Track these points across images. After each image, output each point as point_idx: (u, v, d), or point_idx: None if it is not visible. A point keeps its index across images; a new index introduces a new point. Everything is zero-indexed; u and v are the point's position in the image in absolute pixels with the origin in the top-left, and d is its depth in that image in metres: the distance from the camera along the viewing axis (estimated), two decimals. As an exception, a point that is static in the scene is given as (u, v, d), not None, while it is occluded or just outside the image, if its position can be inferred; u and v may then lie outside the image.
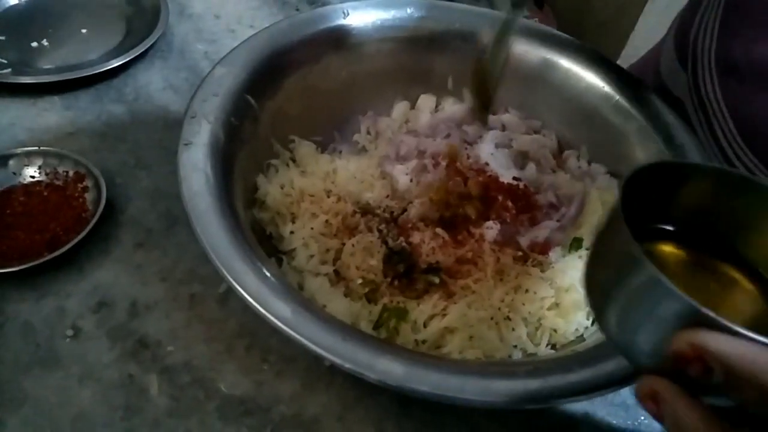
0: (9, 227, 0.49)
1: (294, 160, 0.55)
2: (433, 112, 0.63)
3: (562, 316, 0.47)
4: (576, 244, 0.51)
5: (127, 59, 0.65)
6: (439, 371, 0.36)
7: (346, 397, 0.44)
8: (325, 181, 0.54)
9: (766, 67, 0.48)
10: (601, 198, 0.53)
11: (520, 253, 0.50)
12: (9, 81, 0.61)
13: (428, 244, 0.49)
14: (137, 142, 0.59)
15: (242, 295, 0.37)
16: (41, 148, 0.54)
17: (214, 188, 0.43)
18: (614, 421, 0.46)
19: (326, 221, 0.50)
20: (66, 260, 0.48)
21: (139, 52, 0.66)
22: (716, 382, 0.23)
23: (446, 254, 0.49)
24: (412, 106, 0.64)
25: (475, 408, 0.44)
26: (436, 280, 0.47)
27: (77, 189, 0.52)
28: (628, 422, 0.46)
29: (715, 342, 0.22)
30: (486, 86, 0.54)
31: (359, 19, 0.59)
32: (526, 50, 0.58)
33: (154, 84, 0.66)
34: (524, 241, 0.51)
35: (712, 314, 0.23)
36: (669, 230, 0.31)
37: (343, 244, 0.49)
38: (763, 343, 0.22)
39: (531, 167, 0.58)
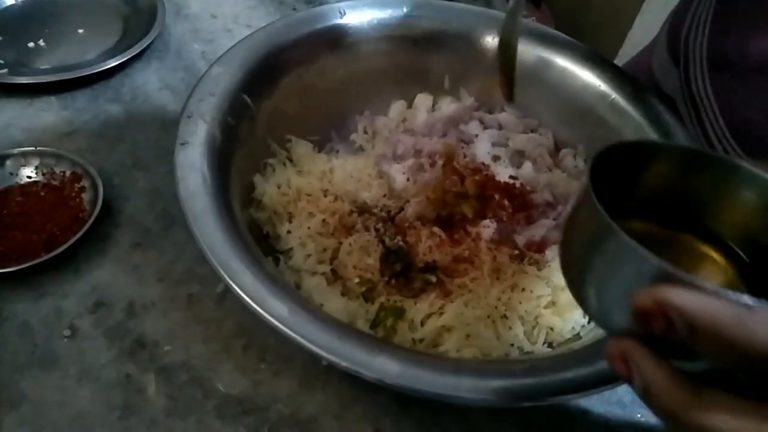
0: (6, 227, 0.49)
1: (291, 160, 0.55)
2: (430, 112, 0.63)
3: (559, 315, 0.47)
4: (572, 242, 0.51)
5: (124, 59, 0.65)
6: (436, 369, 0.36)
7: (344, 396, 0.44)
8: (322, 180, 0.54)
9: (759, 63, 0.49)
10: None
11: (516, 252, 0.50)
12: (6, 81, 0.61)
13: (425, 243, 0.49)
14: (134, 142, 0.59)
15: (239, 294, 0.37)
16: (38, 148, 0.54)
17: (211, 188, 0.43)
18: (611, 419, 0.46)
19: (323, 220, 0.50)
20: (63, 260, 0.48)
21: (136, 52, 0.66)
22: (680, 337, 0.23)
23: (443, 253, 0.49)
24: (409, 106, 0.64)
25: (473, 406, 0.44)
26: (433, 278, 0.47)
27: (74, 189, 0.52)
28: (625, 420, 0.46)
29: (677, 296, 0.23)
30: (507, 60, 0.54)
31: (356, 18, 0.59)
32: (523, 49, 0.58)
33: (151, 84, 0.66)
34: (521, 239, 0.51)
35: (673, 270, 0.23)
36: (638, 208, 0.31)
37: (340, 244, 0.49)
38: (725, 297, 0.23)
39: (527, 166, 0.58)
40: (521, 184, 0.55)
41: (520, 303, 0.47)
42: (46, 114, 0.61)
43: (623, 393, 0.47)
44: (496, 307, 0.46)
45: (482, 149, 0.58)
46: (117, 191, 0.55)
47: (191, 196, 0.41)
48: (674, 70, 0.59)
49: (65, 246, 0.47)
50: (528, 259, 0.50)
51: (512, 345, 0.46)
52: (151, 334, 0.46)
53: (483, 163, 0.56)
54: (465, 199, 0.52)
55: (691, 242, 0.31)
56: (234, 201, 0.45)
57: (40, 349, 0.44)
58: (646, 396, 0.25)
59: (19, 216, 0.50)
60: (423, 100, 0.63)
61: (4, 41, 0.67)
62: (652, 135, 0.53)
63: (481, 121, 0.62)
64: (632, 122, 0.55)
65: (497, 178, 0.55)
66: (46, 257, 0.46)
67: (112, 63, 0.64)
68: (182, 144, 0.44)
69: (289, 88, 0.55)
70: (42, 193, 0.52)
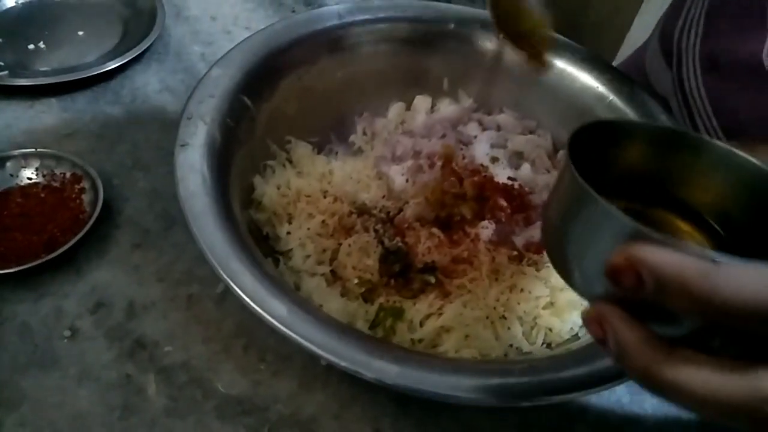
0: (6, 229, 0.49)
1: (290, 161, 0.56)
2: (429, 113, 0.63)
3: (557, 315, 0.47)
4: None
5: (124, 61, 0.65)
6: (435, 370, 0.36)
7: (343, 396, 0.44)
8: (322, 181, 0.54)
9: (750, 65, 0.49)
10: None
11: (515, 253, 0.50)
12: (5, 83, 0.61)
13: (424, 243, 0.49)
14: (134, 143, 0.60)
15: (239, 294, 0.37)
16: (38, 149, 0.54)
17: (210, 189, 0.43)
18: (610, 419, 0.46)
19: (323, 221, 0.50)
20: (63, 261, 0.48)
21: (136, 54, 0.66)
22: (649, 292, 0.23)
23: (442, 254, 0.49)
24: (408, 107, 0.64)
25: (471, 406, 0.45)
26: (432, 279, 0.48)
27: (74, 190, 0.52)
28: (624, 420, 0.46)
29: (646, 252, 0.23)
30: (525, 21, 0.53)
31: (354, 20, 0.59)
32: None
33: (151, 86, 0.66)
34: (519, 240, 0.51)
35: (644, 229, 0.24)
36: (616, 187, 0.32)
37: (340, 245, 0.49)
38: (692, 252, 0.23)
39: (526, 167, 0.58)
40: (520, 185, 0.55)
41: (519, 304, 0.47)
42: (46, 116, 0.61)
43: (622, 393, 0.47)
44: (494, 308, 0.46)
45: (481, 150, 0.58)
46: (117, 192, 0.55)
47: (191, 196, 0.41)
48: (667, 70, 0.60)
49: (65, 247, 0.47)
50: (527, 260, 0.50)
51: (511, 345, 0.46)
52: (151, 335, 0.46)
53: (482, 165, 0.56)
54: (464, 200, 0.52)
55: (669, 218, 0.32)
56: (234, 202, 0.46)
57: (40, 350, 0.44)
58: (620, 356, 0.25)
59: (19, 217, 0.50)
60: (422, 101, 0.63)
61: (4, 43, 0.67)
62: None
63: (480, 123, 0.62)
64: (630, 123, 0.55)
65: (496, 179, 0.55)
66: (46, 258, 0.47)
67: (112, 65, 0.64)
68: (182, 145, 0.45)
69: (288, 89, 0.55)
70: (42, 195, 0.52)
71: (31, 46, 0.68)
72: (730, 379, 0.23)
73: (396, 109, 0.63)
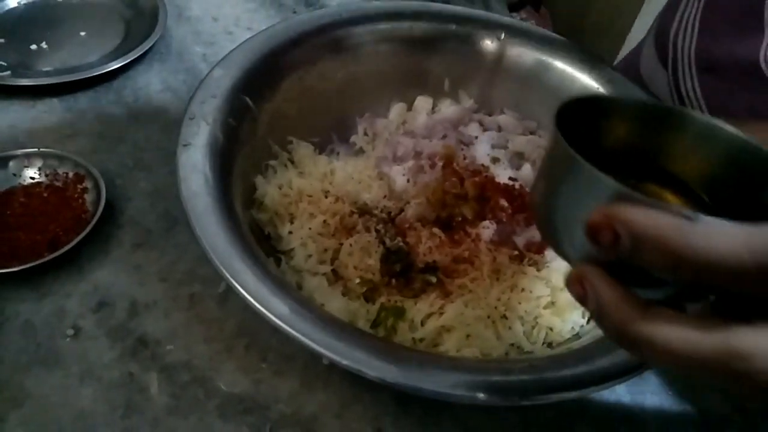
0: (9, 228, 0.49)
1: (292, 161, 0.56)
2: (430, 114, 0.63)
3: (558, 315, 0.47)
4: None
5: (126, 61, 0.65)
6: (436, 369, 0.37)
7: (345, 395, 0.44)
8: (323, 181, 0.54)
9: (747, 66, 0.49)
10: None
11: (516, 253, 0.50)
12: (8, 83, 0.61)
13: (425, 243, 0.49)
14: (136, 143, 0.60)
15: (241, 293, 0.37)
16: (41, 149, 0.54)
17: (213, 189, 0.43)
18: (611, 418, 0.46)
19: (324, 221, 0.50)
20: (66, 261, 0.48)
21: (138, 54, 0.66)
22: (625, 249, 0.24)
23: (443, 254, 0.49)
24: (409, 108, 0.64)
25: (472, 405, 0.45)
26: (433, 279, 0.48)
27: (77, 190, 0.53)
28: (625, 419, 0.46)
29: (623, 210, 0.24)
30: None
31: (355, 21, 0.59)
32: (521, 52, 0.58)
33: (153, 86, 0.66)
34: (520, 240, 0.51)
35: (624, 189, 0.24)
36: (603, 162, 0.32)
37: (341, 244, 0.50)
38: (668, 210, 0.23)
39: (527, 168, 0.58)
40: (521, 185, 0.55)
41: (520, 303, 0.47)
42: (48, 116, 0.61)
43: (622, 392, 0.47)
44: (495, 308, 0.46)
45: (482, 151, 0.59)
46: (119, 192, 0.55)
47: (193, 196, 0.42)
48: (662, 71, 0.60)
49: (68, 246, 0.48)
50: (528, 259, 0.50)
51: (512, 345, 0.46)
52: (153, 334, 0.46)
53: (483, 165, 0.57)
54: (465, 200, 0.53)
55: (658, 191, 0.32)
56: (236, 202, 0.46)
57: (43, 348, 0.45)
58: (599, 315, 0.26)
59: (22, 217, 0.50)
60: (423, 102, 0.64)
61: (7, 44, 0.68)
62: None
63: (481, 123, 0.63)
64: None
65: (497, 179, 0.55)
66: (49, 257, 0.47)
67: (114, 65, 0.64)
68: (184, 145, 0.45)
69: (289, 90, 0.56)
70: (45, 194, 0.52)
71: (34, 47, 0.68)
72: (703, 335, 0.23)
73: (397, 109, 0.63)
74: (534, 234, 0.52)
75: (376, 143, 0.60)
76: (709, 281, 0.23)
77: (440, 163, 0.56)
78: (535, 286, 0.48)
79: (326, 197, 0.52)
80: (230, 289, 0.37)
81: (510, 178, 0.56)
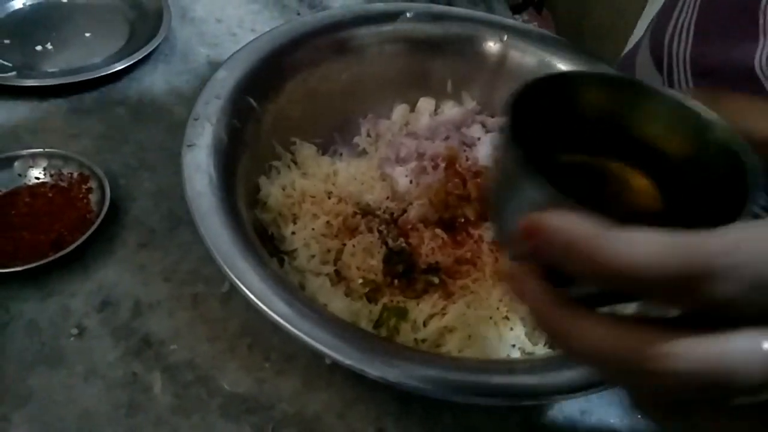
0: (14, 228, 0.50)
1: (295, 162, 0.56)
2: (433, 115, 0.64)
3: (560, 316, 0.48)
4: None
5: (131, 62, 0.65)
6: (438, 369, 0.37)
7: (347, 395, 0.45)
8: (326, 182, 0.54)
9: (742, 71, 0.49)
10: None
11: (518, 254, 0.50)
12: (14, 84, 0.61)
13: (428, 244, 0.50)
14: (140, 144, 0.60)
15: (245, 292, 0.37)
16: (46, 149, 0.55)
17: (217, 189, 0.43)
18: (611, 420, 0.46)
19: (327, 222, 0.51)
20: (71, 260, 0.49)
21: (142, 55, 0.66)
22: (544, 254, 0.24)
23: (445, 255, 0.49)
24: (412, 109, 0.64)
25: (474, 405, 0.45)
26: (436, 280, 0.48)
27: (81, 190, 0.53)
28: (625, 421, 0.46)
29: (545, 216, 0.24)
30: None
31: (359, 22, 0.59)
32: (523, 53, 0.59)
33: (157, 87, 0.67)
34: (522, 241, 0.51)
35: (554, 193, 0.24)
36: (571, 139, 0.31)
37: (344, 245, 0.50)
38: (590, 216, 0.23)
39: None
40: (523, 186, 0.55)
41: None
42: (53, 116, 0.62)
43: (624, 393, 0.47)
44: (497, 308, 0.47)
45: (484, 152, 0.59)
46: (124, 192, 0.55)
47: (198, 196, 0.42)
48: (657, 74, 0.60)
49: (73, 246, 0.48)
50: (529, 260, 0.50)
51: (514, 345, 0.46)
52: (157, 333, 0.46)
53: (485, 166, 0.57)
54: (467, 201, 0.53)
55: (620, 169, 0.32)
56: (240, 202, 0.46)
57: (47, 348, 0.45)
58: (530, 310, 0.26)
59: (27, 216, 0.51)
60: (425, 103, 0.64)
61: (12, 44, 0.68)
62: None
63: (483, 125, 0.63)
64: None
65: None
66: (53, 257, 0.47)
67: (119, 66, 0.65)
68: (189, 146, 0.45)
69: (293, 91, 0.56)
70: (50, 194, 0.52)
71: (39, 48, 0.68)
72: (616, 336, 0.23)
73: (400, 110, 0.63)
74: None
75: (379, 144, 0.60)
76: (623, 288, 0.23)
77: (443, 165, 0.56)
78: (536, 287, 0.48)
79: (329, 198, 0.52)
80: (234, 288, 0.38)
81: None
